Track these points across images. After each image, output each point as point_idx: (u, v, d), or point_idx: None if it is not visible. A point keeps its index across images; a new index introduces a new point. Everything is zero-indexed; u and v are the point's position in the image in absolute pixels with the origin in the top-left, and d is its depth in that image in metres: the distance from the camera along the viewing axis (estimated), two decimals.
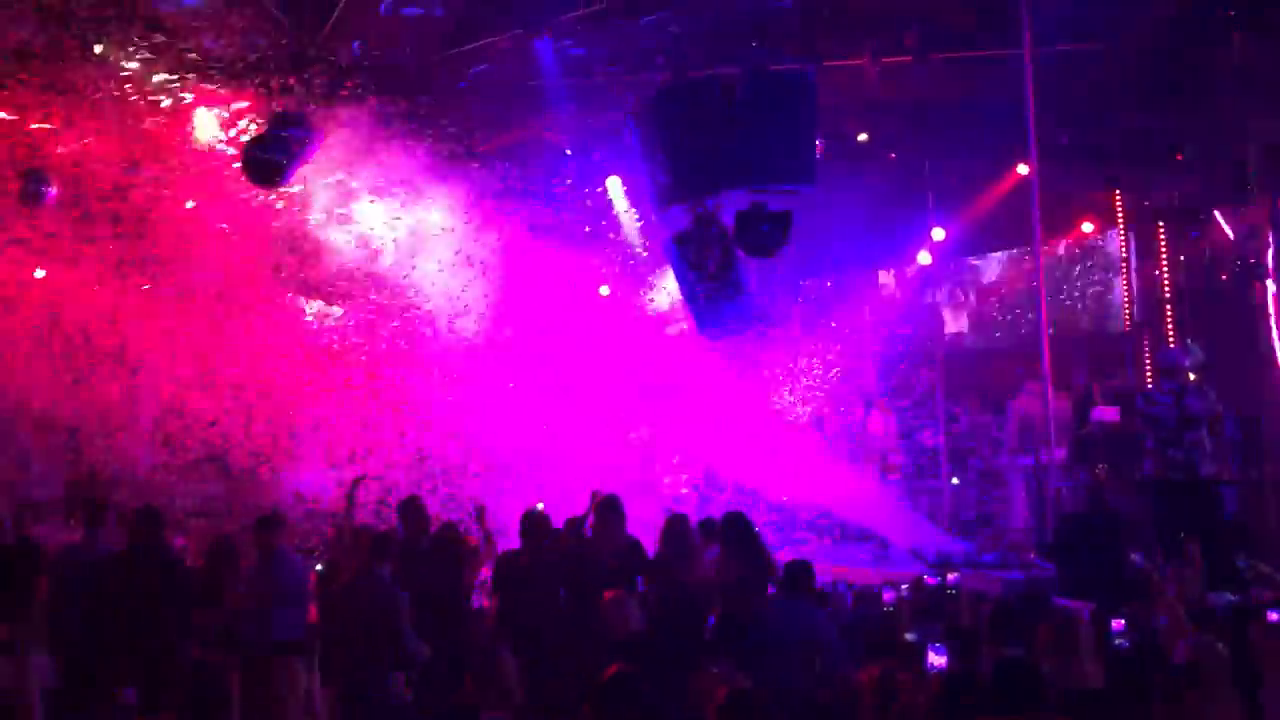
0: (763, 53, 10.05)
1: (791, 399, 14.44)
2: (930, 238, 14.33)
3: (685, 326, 14.06)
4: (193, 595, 7.65)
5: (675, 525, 7.63)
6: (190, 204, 11.61)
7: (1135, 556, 6.50)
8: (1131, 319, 13.83)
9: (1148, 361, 13.35)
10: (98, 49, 9.10)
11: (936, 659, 5.13)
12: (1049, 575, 9.28)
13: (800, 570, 6.58)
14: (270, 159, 9.36)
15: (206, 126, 10.48)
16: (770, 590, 7.51)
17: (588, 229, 13.72)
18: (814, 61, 10.11)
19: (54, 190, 10.08)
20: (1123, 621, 6.51)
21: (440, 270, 13.14)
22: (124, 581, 7.40)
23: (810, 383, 14.54)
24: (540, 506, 10.97)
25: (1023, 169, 12.86)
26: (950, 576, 7.88)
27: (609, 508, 7.75)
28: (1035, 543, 10.55)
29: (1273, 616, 5.67)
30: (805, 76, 9.69)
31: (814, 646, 6.04)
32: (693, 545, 7.54)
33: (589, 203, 13.72)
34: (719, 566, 7.55)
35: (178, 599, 7.56)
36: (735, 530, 7.57)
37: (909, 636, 6.64)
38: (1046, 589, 8.67)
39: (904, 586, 8.02)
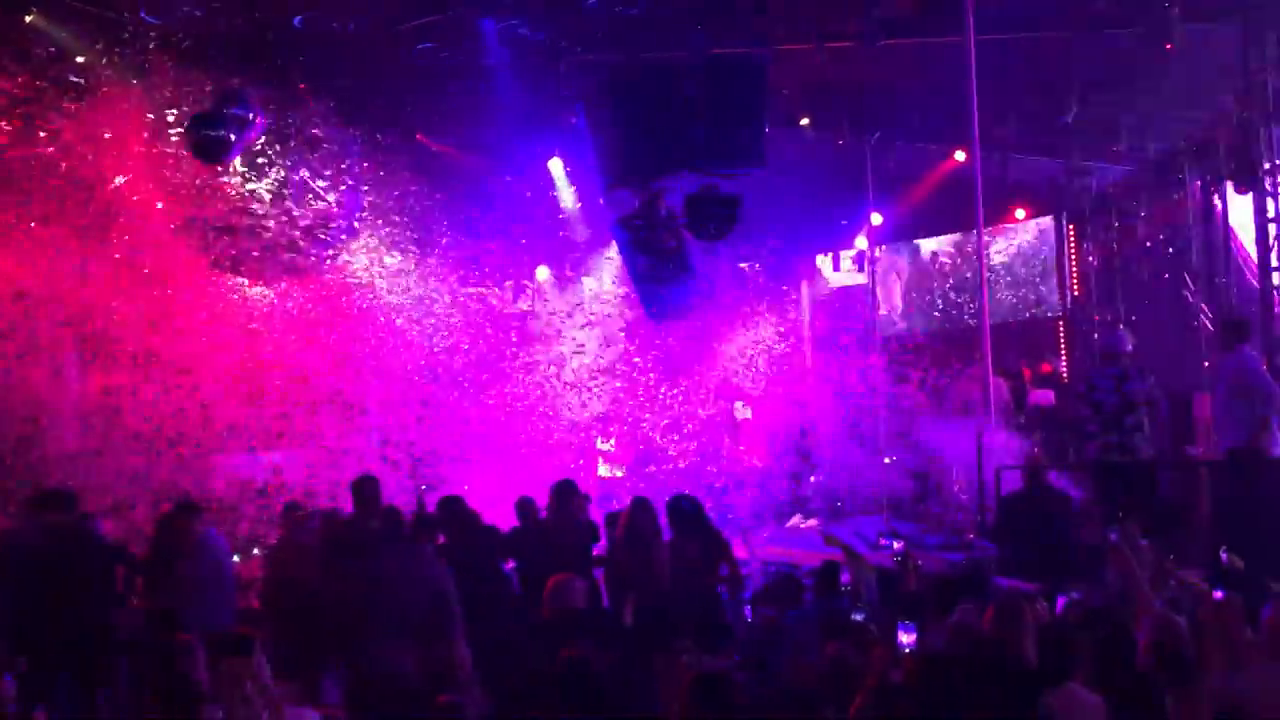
0: (713, 37, 10.03)
1: (736, 380, 14.53)
2: (869, 222, 14.48)
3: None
4: (117, 578, 7.57)
5: (638, 510, 7.63)
6: (121, 180, 11.32)
7: (1113, 534, 6.59)
8: (1065, 305, 14.14)
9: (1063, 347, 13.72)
10: (29, 19, 8.73)
11: (906, 637, 5.20)
12: (990, 555, 9.44)
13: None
14: (216, 136, 9.15)
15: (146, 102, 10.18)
16: (724, 570, 7.62)
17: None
18: (763, 46, 10.12)
19: None
20: (1067, 599, 6.71)
21: (377, 252, 13.01)
22: (43, 564, 7.26)
23: (751, 364, 14.63)
24: (466, 488, 10.99)
25: (960, 155, 13.09)
26: (897, 544, 8.03)
27: (566, 490, 7.73)
28: (975, 524, 10.72)
29: (1218, 595, 5.83)
30: (756, 61, 9.74)
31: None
32: (652, 529, 7.55)
33: (528, 194, 13.66)
34: (672, 549, 7.59)
35: (98, 581, 7.46)
36: (682, 513, 7.62)
37: (856, 617, 6.74)
38: (987, 569, 8.84)
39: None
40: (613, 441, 14.13)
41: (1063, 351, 14.50)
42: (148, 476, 12.10)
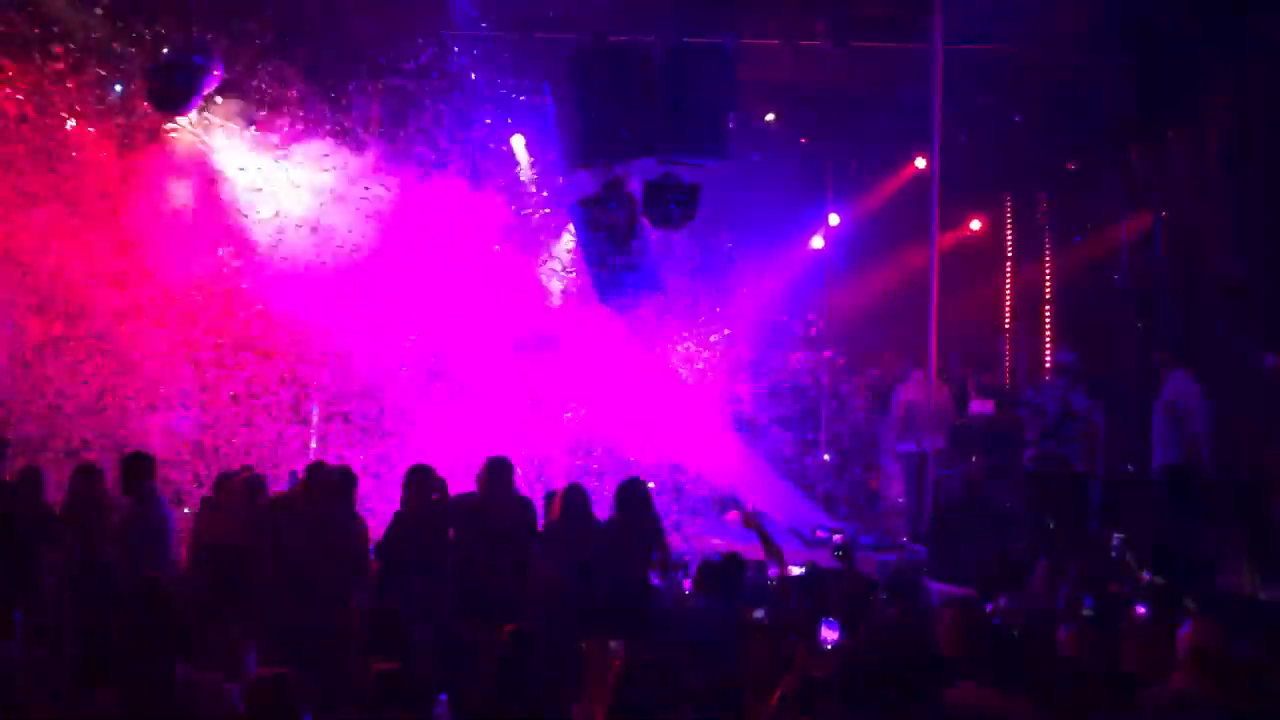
0: (683, 23, 9.99)
1: (682, 371, 14.52)
2: (826, 222, 14.54)
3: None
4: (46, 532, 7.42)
5: (574, 494, 7.60)
6: (72, 124, 11.09)
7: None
8: (1010, 317, 14.31)
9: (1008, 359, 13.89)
10: None
11: (829, 633, 5.24)
12: (921, 558, 9.58)
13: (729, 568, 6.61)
14: (174, 86, 8.98)
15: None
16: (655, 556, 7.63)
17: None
18: (733, 36, 10.11)
19: None
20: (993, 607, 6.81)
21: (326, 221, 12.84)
22: None
23: (699, 356, 14.63)
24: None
25: (920, 163, 13.19)
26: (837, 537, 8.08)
27: (500, 466, 7.66)
28: (909, 526, 10.86)
29: (1140, 610, 5.94)
30: (724, 50, 9.72)
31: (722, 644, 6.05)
32: (586, 510, 7.54)
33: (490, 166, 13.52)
34: (608, 531, 7.59)
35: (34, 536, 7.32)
36: (632, 496, 7.62)
37: (756, 614, 6.71)
38: (919, 571, 8.96)
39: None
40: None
41: (1007, 364, 14.69)
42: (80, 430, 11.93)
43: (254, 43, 10.51)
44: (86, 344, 11.72)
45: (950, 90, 10.39)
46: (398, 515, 7.33)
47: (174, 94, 9.14)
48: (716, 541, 10.49)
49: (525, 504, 7.68)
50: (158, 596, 5.41)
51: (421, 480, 7.51)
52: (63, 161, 11.12)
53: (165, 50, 9.43)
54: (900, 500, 11.84)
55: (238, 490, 7.70)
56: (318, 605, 6.51)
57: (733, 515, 12.32)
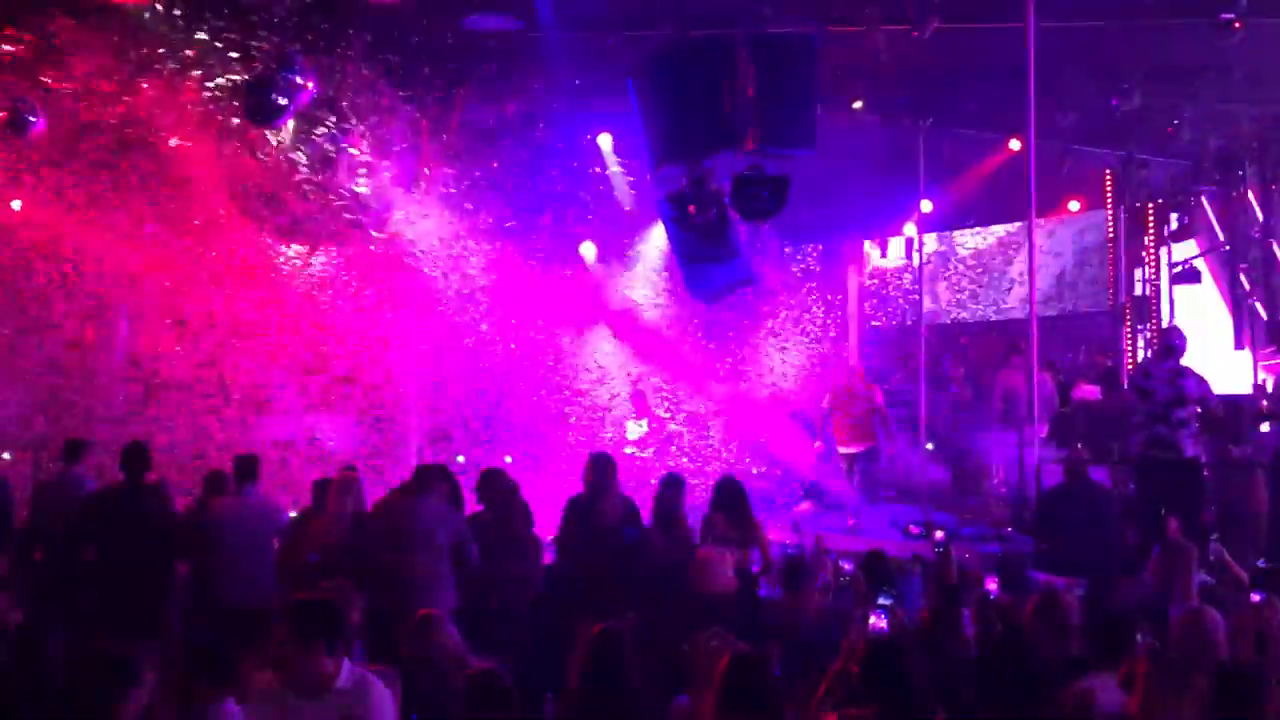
0: (765, 14, 9.91)
1: (774, 365, 14.48)
2: (919, 209, 14.31)
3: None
4: (178, 539, 7.57)
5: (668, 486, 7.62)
6: (175, 142, 11.45)
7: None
8: (1116, 299, 13.92)
9: (1126, 342, 13.47)
10: None
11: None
12: (1026, 549, 9.36)
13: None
14: (270, 99, 9.20)
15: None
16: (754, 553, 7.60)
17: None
18: (817, 25, 9.99)
19: (40, 121, 9.88)
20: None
21: (426, 223, 13.07)
22: (110, 519, 7.32)
23: (793, 349, 14.57)
24: (508, 459, 11.00)
25: (1015, 144, 12.90)
26: (938, 534, 7.94)
27: (601, 463, 7.69)
28: (1012, 517, 10.64)
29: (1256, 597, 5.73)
30: (808, 40, 9.61)
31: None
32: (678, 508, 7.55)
33: (576, 164, 13.63)
34: (708, 528, 7.59)
35: (164, 540, 7.49)
36: (727, 495, 7.60)
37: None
38: (1023, 562, 8.76)
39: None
40: (645, 423, 14.11)
41: (1125, 348, 14.28)
42: (192, 437, 12.34)
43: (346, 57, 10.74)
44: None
45: (1044, 69, 10.15)
46: (475, 516, 7.39)
47: (267, 107, 9.36)
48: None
49: (628, 501, 7.70)
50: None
51: (494, 482, 7.56)
52: (166, 182, 11.50)
53: (260, 66, 9.68)
54: (1003, 490, 11.60)
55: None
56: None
57: (807, 506, 12.26)
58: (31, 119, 9.90)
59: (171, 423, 12.31)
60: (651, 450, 13.89)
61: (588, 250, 14.90)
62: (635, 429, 14.01)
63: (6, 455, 11.69)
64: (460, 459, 11.17)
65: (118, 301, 12.58)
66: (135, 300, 12.66)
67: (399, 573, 6.63)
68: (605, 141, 13.82)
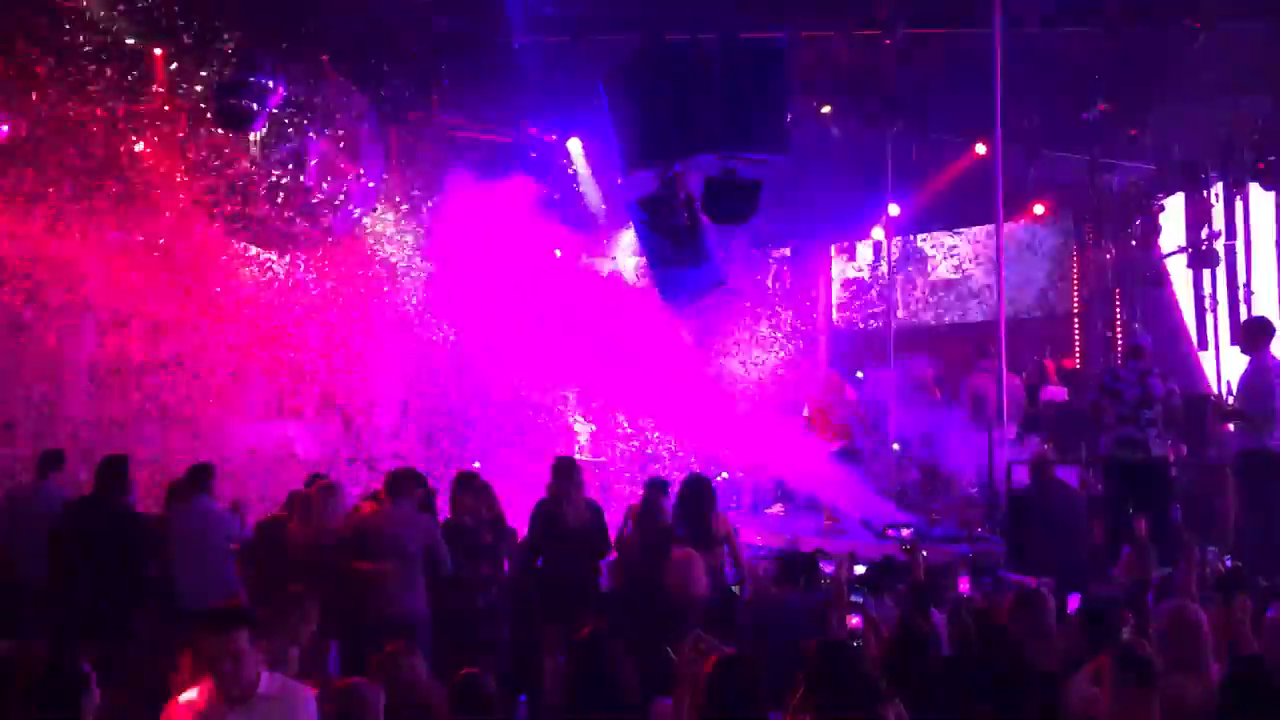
0: (737, 19, 9.97)
1: (744, 368, 14.52)
2: (886, 213, 14.42)
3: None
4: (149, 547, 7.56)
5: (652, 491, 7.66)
6: (140, 146, 11.35)
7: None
8: (1079, 302, 14.08)
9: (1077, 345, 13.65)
10: None
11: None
12: (997, 549, 9.46)
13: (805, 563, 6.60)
14: (241, 104, 9.15)
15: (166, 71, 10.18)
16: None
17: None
18: (788, 30, 10.06)
19: (4, 129, 9.77)
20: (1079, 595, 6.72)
21: (390, 228, 13.04)
22: (82, 530, 7.29)
23: (763, 353, 14.62)
24: (476, 465, 10.96)
25: (981, 149, 13.02)
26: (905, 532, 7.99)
27: (565, 468, 7.71)
28: (983, 517, 10.73)
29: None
30: (778, 45, 9.67)
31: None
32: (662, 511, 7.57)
33: (546, 169, 13.62)
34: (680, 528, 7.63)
35: (135, 550, 7.48)
36: (694, 495, 7.65)
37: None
38: (995, 562, 8.86)
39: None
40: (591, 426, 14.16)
41: (1076, 350, 14.46)
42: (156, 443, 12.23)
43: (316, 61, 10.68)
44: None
45: (1011, 74, 10.26)
46: (447, 523, 7.38)
47: (238, 111, 9.30)
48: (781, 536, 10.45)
49: (592, 504, 7.73)
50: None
51: (466, 487, 7.55)
52: (133, 189, 11.40)
53: (228, 70, 9.61)
54: (973, 491, 11.70)
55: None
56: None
57: (778, 508, 12.34)
58: None
59: (141, 432, 12.21)
60: (612, 454, 13.95)
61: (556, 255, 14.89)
62: (584, 428, 14.08)
63: None
64: (477, 464, 11.14)
65: (85, 310, 12.44)
66: (103, 308, 12.53)
67: (370, 579, 6.64)
68: (575, 146, 13.84)
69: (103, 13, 9.60)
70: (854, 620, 5.50)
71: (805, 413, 12.48)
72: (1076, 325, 14.34)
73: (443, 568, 6.87)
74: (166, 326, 12.50)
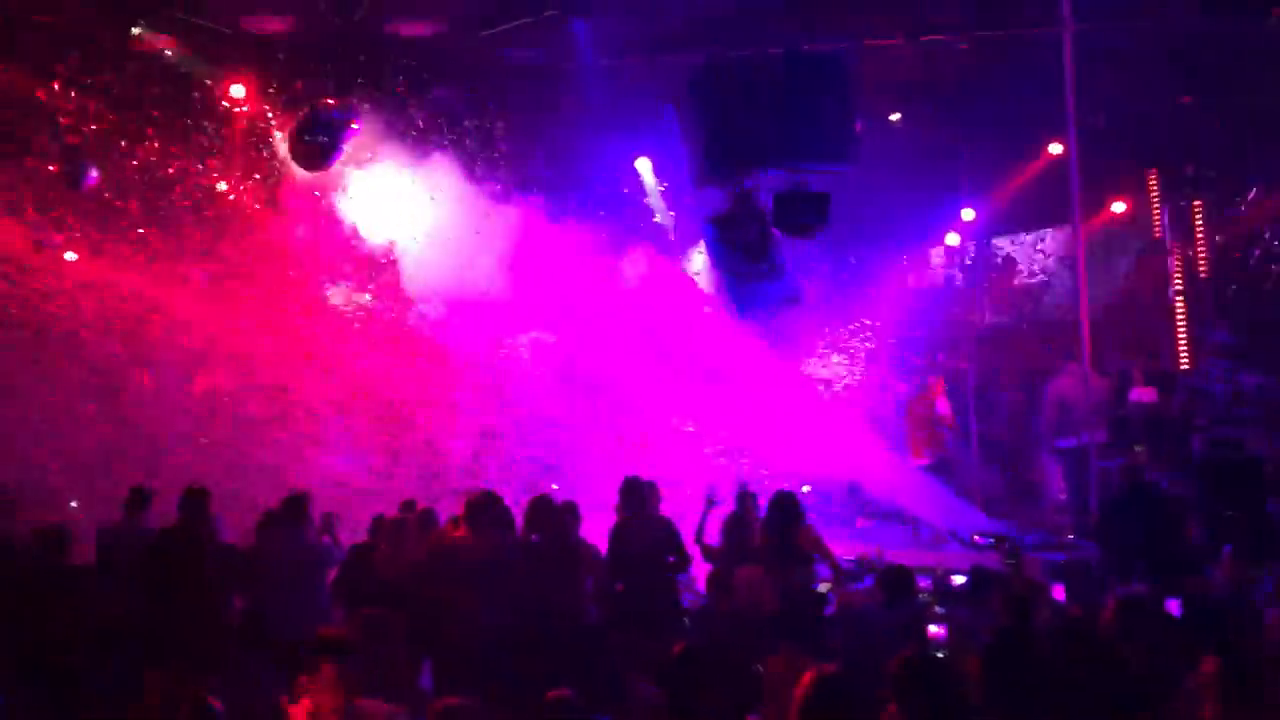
0: (801, 32, 9.97)
1: (826, 377, 14.43)
2: (960, 217, 14.25)
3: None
4: (236, 575, 7.73)
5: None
6: (223, 186, 11.67)
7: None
8: (1168, 299, 13.73)
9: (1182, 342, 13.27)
10: (135, 30, 9.03)
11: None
12: (1091, 556, 9.26)
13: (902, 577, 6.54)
14: (317, 143, 9.34)
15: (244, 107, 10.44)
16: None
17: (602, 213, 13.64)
18: (851, 41, 10.03)
19: (94, 173, 10.09)
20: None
21: (468, 255, 13.17)
22: (170, 561, 7.47)
23: (843, 362, 14.52)
24: (554, 487, 11.03)
25: (1055, 148, 12.81)
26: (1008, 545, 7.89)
27: (633, 487, 7.75)
28: (1074, 524, 10.52)
29: None
30: (844, 56, 9.65)
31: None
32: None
33: (625, 189, 13.71)
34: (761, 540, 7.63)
35: (218, 580, 7.65)
36: (782, 510, 7.62)
37: None
38: (1090, 569, 8.68)
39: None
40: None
41: (1166, 350, 14.10)
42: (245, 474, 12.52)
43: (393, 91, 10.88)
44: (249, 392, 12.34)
45: (1080, 72, 10.11)
46: (525, 546, 7.45)
47: (316, 152, 9.47)
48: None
49: (664, 521, 7.76)
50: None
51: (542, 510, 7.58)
52: (217, 222, 11.71)
53: (305, 110, 9.81)
54: (1062, 497, 11.47)
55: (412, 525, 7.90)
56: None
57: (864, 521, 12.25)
58: (85, 171, 10.11)
59: (229, 462, 12.51)
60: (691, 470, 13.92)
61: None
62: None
63: (74, 504, 11.90)
64: (555, 486, 11.24)
65: (171, 347, 12.81)
66: (188, 345, 12.89)
67: (452, 606, 6.73)
68: (644, 166, 13.90)
69: (185, 59, 9.87)
70: (935, 630, 5.41)
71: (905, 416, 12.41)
72: (1165, 324, 13.96)
73: (522, 593, 6.91)
74: (253, 363, 12.82)
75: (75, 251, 11.89)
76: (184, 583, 7.33)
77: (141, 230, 11.69)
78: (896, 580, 6.19)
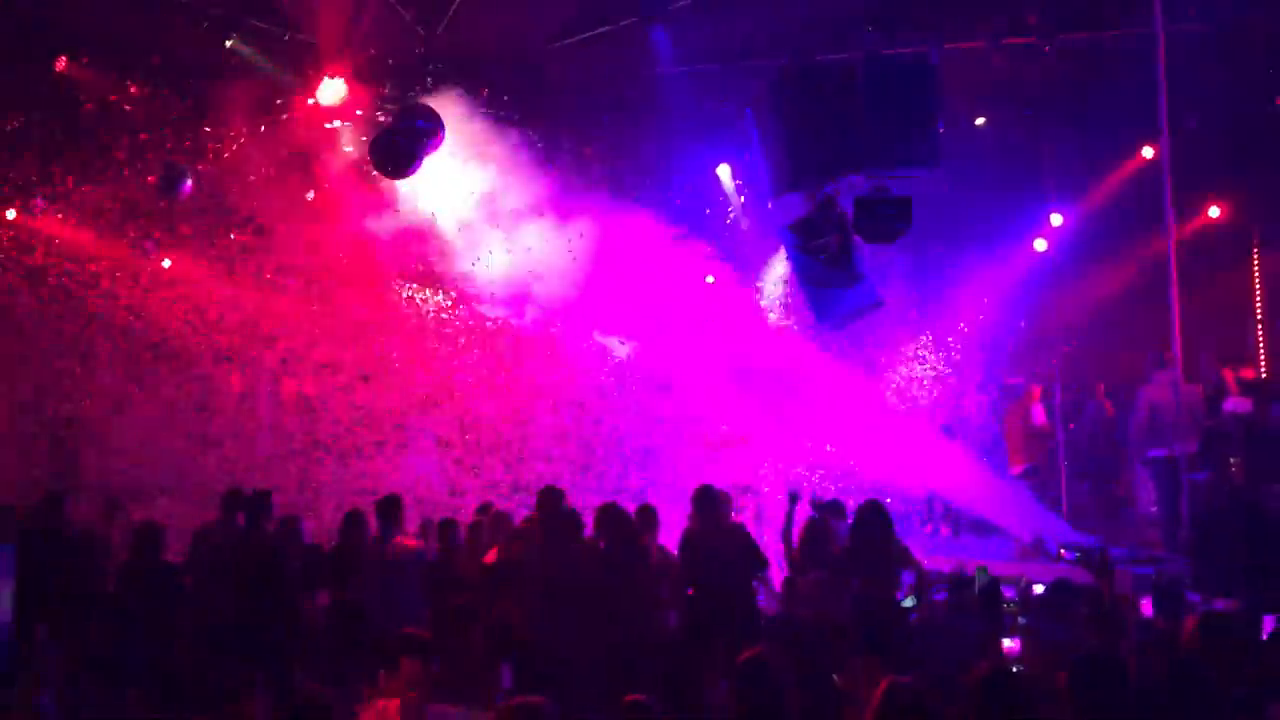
0: (882, 36, 9.87)
1: (905, 385, 14.27)
2: (1049, 222, 13.97)
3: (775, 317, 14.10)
4: (306, 577, 7.94)
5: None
6: (310, 195, 11.93)
7: None
8: (1263, 306, 13.33)
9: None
10: (228, 44, 9.29)
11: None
12: (1181, 570, 9.01)
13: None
14: (400, 149, 9.49)
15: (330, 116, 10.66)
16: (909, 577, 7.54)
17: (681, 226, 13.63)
18: (935, 44, 9.89)
19: (190, 182, 10.38)
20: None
21: (548, 263, 13.30)
22: (249, 559, 7.73)
23: (924, 370, 14.33)
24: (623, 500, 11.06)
25: (1148, 152, 12.51)
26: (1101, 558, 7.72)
27: (705, 496, 7.74)
28: (1164, 537, 10.25)
29: None
30: (927, 59, 9.52)
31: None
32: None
33: (707, 210, 13.72)
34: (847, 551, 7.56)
35: (306, 578, 7.87)
36: (869, 520, 7.55)
37: None
38: (1180, 585, 8.42)
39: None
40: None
41: (1261, 357, 13.69)
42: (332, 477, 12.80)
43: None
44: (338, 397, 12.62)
45: (1173, 73, 9.85)
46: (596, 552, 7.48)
47: (398, 158, 9.62)
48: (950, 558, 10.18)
49: (738, 527, 7.75)
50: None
51: (613, 519, 7.61)
52: (304, 228, 11.99)
53: (387, 116, 9.99)
54: (1152, 509, 11.18)
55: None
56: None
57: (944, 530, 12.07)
58: (181, 181, 10.40)
59: (317, 466, 12.80)
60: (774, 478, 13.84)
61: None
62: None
63: (163, 500, 12.27)
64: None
65: (261, 351, 13.14)
66: (277, 350, 13.21)
67: (518, 611, 6.81)
68: (724, 172, 13.88)
69: (275, 70, 10.11)
70: (1010, 645, 5.30)
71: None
72: (1259, 331, 13.56)
73: (593, 602, 6.93)
74: (339, 366, 13.09)
75: (170, 258, 12.30)
76: (264, 581, 7.55)
77: (233, 235, 12.01)
78: (982, 592, 6.09)
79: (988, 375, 14.94)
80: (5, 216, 11.21)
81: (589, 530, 7.57)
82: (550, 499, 7.52)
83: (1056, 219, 13.97)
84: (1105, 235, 14.88)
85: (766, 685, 4.72)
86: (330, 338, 13.00)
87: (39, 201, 11.17)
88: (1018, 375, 14.61)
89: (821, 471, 13.63)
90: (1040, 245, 14.64)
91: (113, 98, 9.61)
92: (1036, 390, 13.26)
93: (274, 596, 7.49)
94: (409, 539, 8.29)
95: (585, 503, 8.39)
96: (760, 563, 7.56)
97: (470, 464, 13.37)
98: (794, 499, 8.24)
